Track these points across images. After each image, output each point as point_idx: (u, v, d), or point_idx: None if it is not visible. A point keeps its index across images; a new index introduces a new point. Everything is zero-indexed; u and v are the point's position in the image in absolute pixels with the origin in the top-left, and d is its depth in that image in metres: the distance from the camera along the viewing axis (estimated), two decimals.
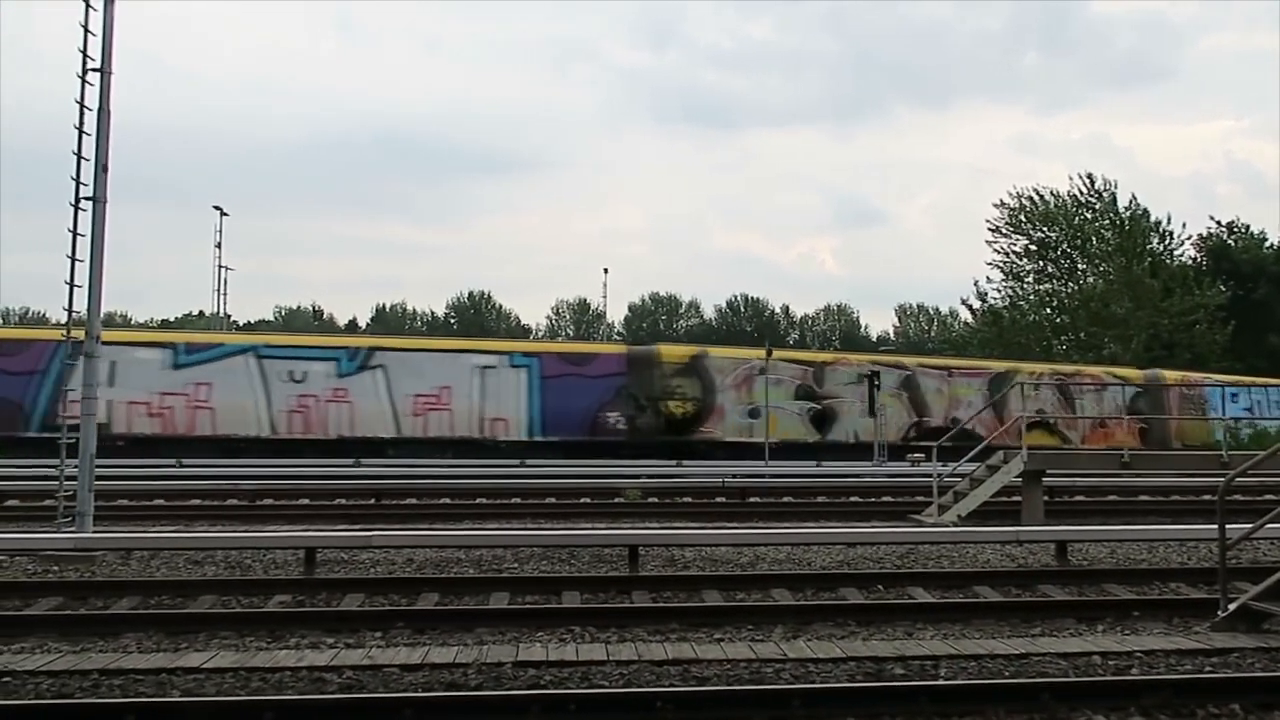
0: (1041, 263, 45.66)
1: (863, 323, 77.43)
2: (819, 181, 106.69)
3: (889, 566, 10.19)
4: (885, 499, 16.88)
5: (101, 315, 11.36)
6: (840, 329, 75.42)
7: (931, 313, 74.33)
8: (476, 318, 71.41)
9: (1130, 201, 45.28)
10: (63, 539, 10.01)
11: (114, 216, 11.21)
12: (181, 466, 19.94)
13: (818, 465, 22.79)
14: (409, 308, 75.78)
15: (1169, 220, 45.13)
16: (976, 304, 47.08)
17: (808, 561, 10.45)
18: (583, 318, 73.30)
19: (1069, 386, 28.83)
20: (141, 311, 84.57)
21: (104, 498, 12.51)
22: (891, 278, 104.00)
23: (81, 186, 11.05)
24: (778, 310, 75.62)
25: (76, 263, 11.06)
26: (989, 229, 46.32)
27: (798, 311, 77.24)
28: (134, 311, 67.29)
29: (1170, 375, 31.05)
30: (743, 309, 74.49)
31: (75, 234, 11.04)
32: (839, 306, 77.37)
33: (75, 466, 10.85)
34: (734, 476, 18.64)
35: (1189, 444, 28.19)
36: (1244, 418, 28.67)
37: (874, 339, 72.69)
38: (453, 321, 72.16)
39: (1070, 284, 45.03)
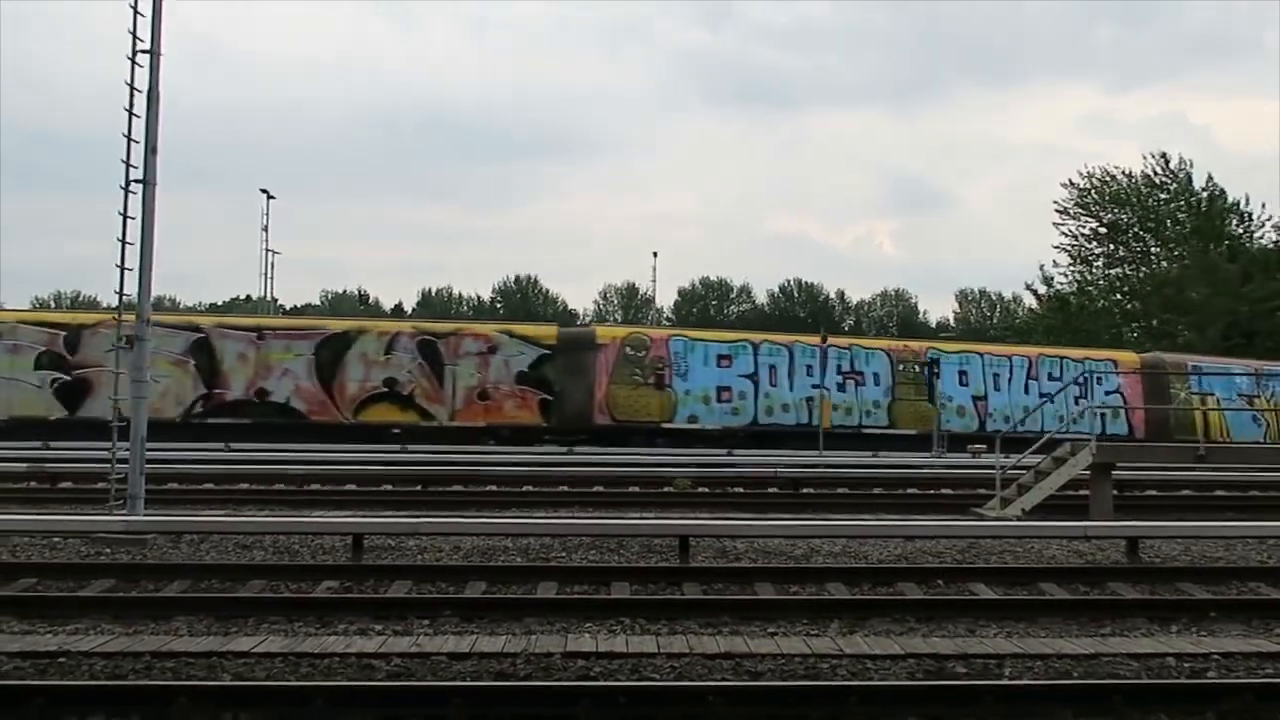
0: (1112, 246, 44.64)
1: (921, 309, 76.50)
2: (877, 163, 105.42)
3: (949, 561, 10.08)
4: (945, 491, 16.72)
5: (151, 299, 11.65)
6: (898, 315, 74.53)
7: (994, 298, 73.21)
8: (523, 302, 71.81)
9: (1207, 182, 44.02)
10: (114, 521, 10.31)
11: (162, 201, 11.45)
12: (230, 450, 20.37)
13: (874, 455, 22.62)
14: (455, 292, 76.50)
15: (1248, 201, 43.78)
16: (1042, 289, 46.23)
17: (864, 555, 10.39)
18: (631, 302, 73.33)
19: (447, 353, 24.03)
20: (189, 296, 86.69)
21: (154, 481, 12.82)
22: (952, 262, 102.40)
23: (131, 169, 11.31)
24: (833, 296, 75.01)
25: (126, 246, 11.33)
26: (1056, 210, 45.41)
27: (853, 297, 76.56)
28: (182, 296, 68.92)
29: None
30: (796, 294, 73.95)
31: (125, 217, 11.30)
32: (897, 292, 76.50)
33: (127, 449, 11.15)
34: (786, 467, 18.57)
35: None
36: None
37: (933, 325, 71.71)
38: (499, 306, 72.65)
39: (1142, 269, 43.98)
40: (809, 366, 25.39)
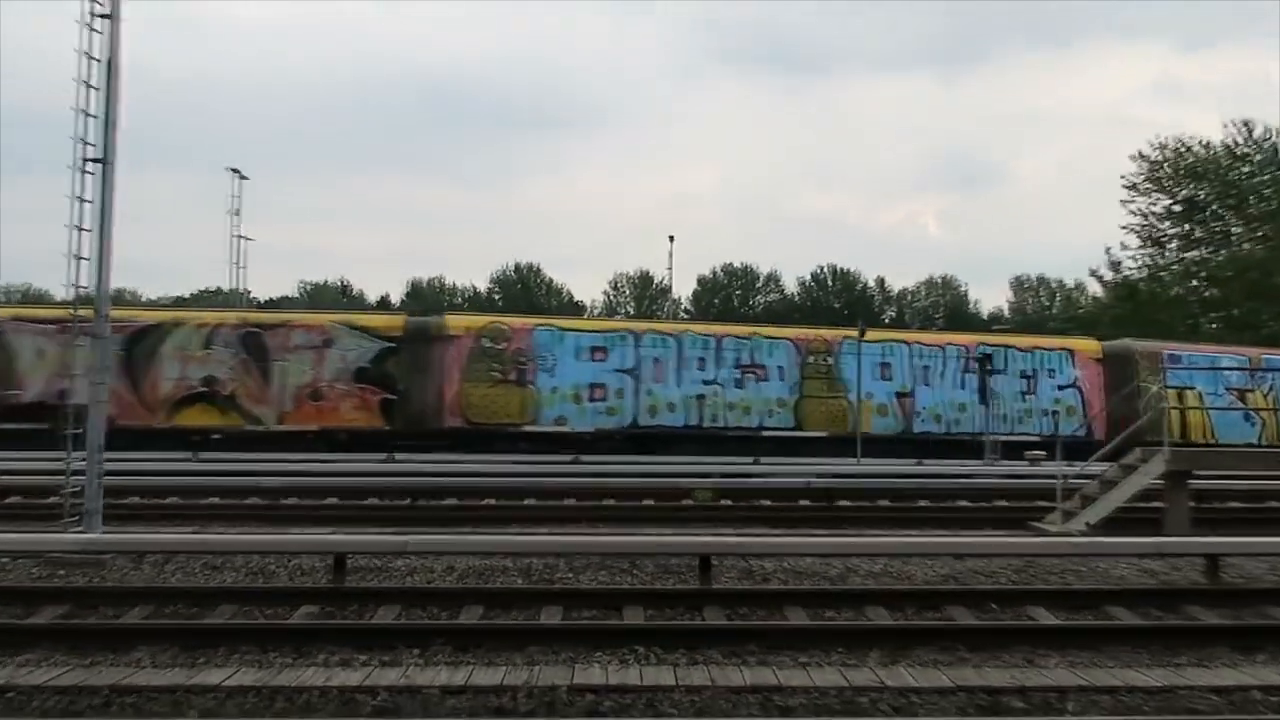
0: (1187, 226, 44.37)
1: (972, 297, 76.20)
2: (921, 135, 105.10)
3: (1004, 582, 10.08)
4: (999, 503, 16.71)
5: (111, 292, 11.72)
6: (945, 305, 74.28)
7: (1054, 286, 72.89)
8: (524, 293, 71.93)
9: None
10: (69, 540, 10.35)
11: (121, 182, 11.51)
12: (197, 460, 20.47)
13: (918, 464, 22.56)
14: (448, 282, 76.68)
15: None
16: (1108, 275, 46.02)
17: (908, 575, 10.38)
18: (645, 292, 73.35)
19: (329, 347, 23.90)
20: (153, 288, 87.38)
21: (113, 494, 12.90)
22: (1006, 246, 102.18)
23: (87, 147, 11.36)
24: (871, 283, 74.80)
25: (81, 233, 11.39)
26: (1124, 186, 45.22)
27: (895, 285, 76.33)
28: (145, 288, 69.41)
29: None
30: (831, 282, 73.78)
31: (80, 200, 11.35)
32: (943, 279, 76.20)
33: (83, 460, 11.21)
34: (819, 477, 18.52)
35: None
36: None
37: (985, 316, 71.42)
38: (497, 297, 72.80)
39: (1222, 251, 43.69)
40: (700, 360, 24.86)
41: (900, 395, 25.66)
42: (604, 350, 24.58)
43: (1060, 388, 26.17)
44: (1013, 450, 23.20)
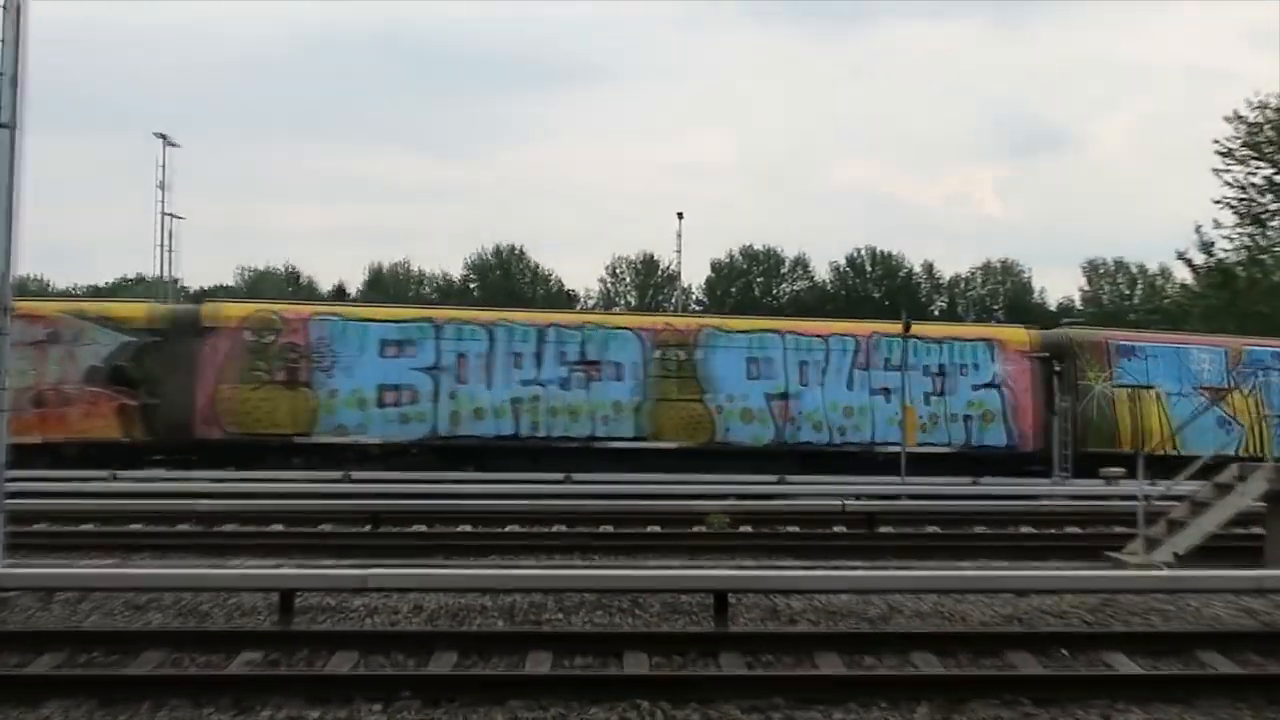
0: None
1: (1037, 285, 76.31)
2: (976, 91, 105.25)
3: (1076, 624, 10.09)
4: (1070, 530, 16.80)
5: (12, 280, 11.71)
6: (1006, 293, 74.35)
7: (1134, 271, 72.94)
8: (505, 280, 72.07)
9: None
10: None
11: (27, 152, 11.50)
12: (116, 479, 20.49)
13: (973, 484, 22.59)
14: (415, 268, 76.87)
15: None
16: (1199, 258, 45.99)
17: (961, 615, 10.39)
18: (648, 279, 73.47)
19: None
20: (64, 276, 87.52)
21: (17, 521, 12.90)
22: (1077, 224, 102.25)
23: None
24: (918, 269, 74.92)
25: None
26: (1217, 153, 45.08)
27: (945, 270, 76.45)
28: (55, 277, 69.50)
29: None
30: (869, 267, 73.92)
31: None
32: (1004, 263, 76.30)
33: None
34: (856, 499, 18.56)
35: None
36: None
37: (1053, 307, 71.51)
38: (472, 286, 72.93)
39: None
40: (517, 355, 24.45)
41: (773, 397, 25.04)
42: (400, 345, 23.98)
43: (978, 387, 25.64)
44: (926, 465, 23.00)
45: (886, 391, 24.69)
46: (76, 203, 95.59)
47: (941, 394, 25.04)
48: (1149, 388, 26.01)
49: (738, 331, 25.62)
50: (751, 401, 24.90)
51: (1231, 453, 25.09)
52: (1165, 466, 21.51)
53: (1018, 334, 27.37)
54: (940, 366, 25.20)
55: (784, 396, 24.97)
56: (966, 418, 25.39)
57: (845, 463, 23.95)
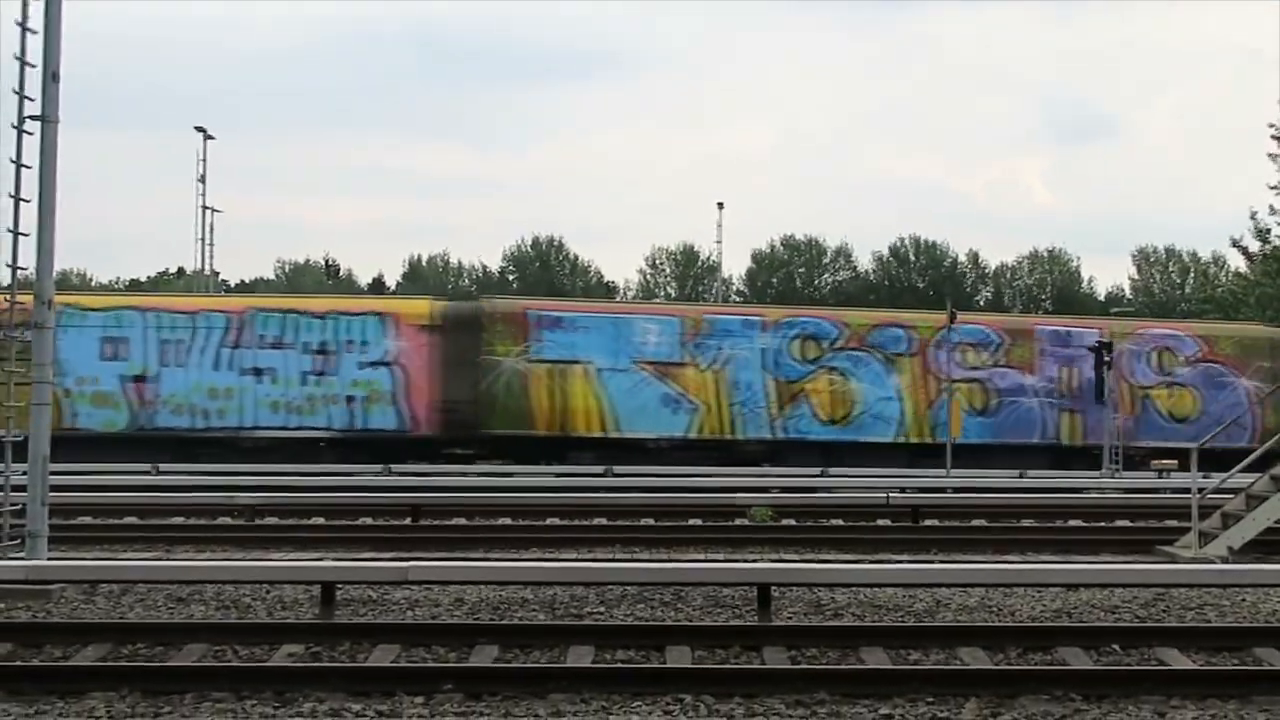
0: None
1: (1085, 275, 75.53)
2: (1023, 78, 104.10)
3: (1128, 619, 10.02)
4: (1121, 523, 16.71)
5: (55, 274, 11.88)
6: (1053, 283, 73.68)
7: (1186, 260, 72.03)
8: (543, 272, 72.23)
9: None
10: (9, 567, 10.50)
11: (64, 145, 11.64)
12: (159, 473, 20.77)
13: (1020, 477, 22.51)
14: (453, 260, 77.16)
15: None
16: (1254, 246, 45.35)
17: (1010, 610, 10.33)
18: (688, 270, 73.39)
19: None
20: (106, 270, 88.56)
21: (60, 514, 13.08)
22: (1127, 212, 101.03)
23: (26, 101, 11.50)
24: (963, 258, 74.36)
25: (20, 204, 11.53)
26: (1273, 137, 44.45)
27: (991, 260, 75.83)
28: (96, 270, 70.32)
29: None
30: (913, 257, 73.47)
31: (19, 165, 11.50)
32: (1050, 252, 75.56)
33: (24, 473, 11.37)
34: (901, 491, 18.51)
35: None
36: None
37: (1102, 297, 70.81)
38: (511, 277, 73.15)
39: None
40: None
41: (131, 379, 23.88)
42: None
43: (366, 365, 24.61)
44: (303, 450, 22.54)
45: (259, 372, 23.92)
46: (109, 196, 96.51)
47: (323, 374, 24.06)
48: (578, 362, 24.98)
49: (93, 310, 24.50)
50: (104, 384, 23.80)
51: (681, 435, 25.11)
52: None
53: (415, 306, 26.39)
54: (323, 344, 24.20)
55: (141, 379, 23.94)
56: (350, 399, 24.41)
57: (216, 450, 23.24)
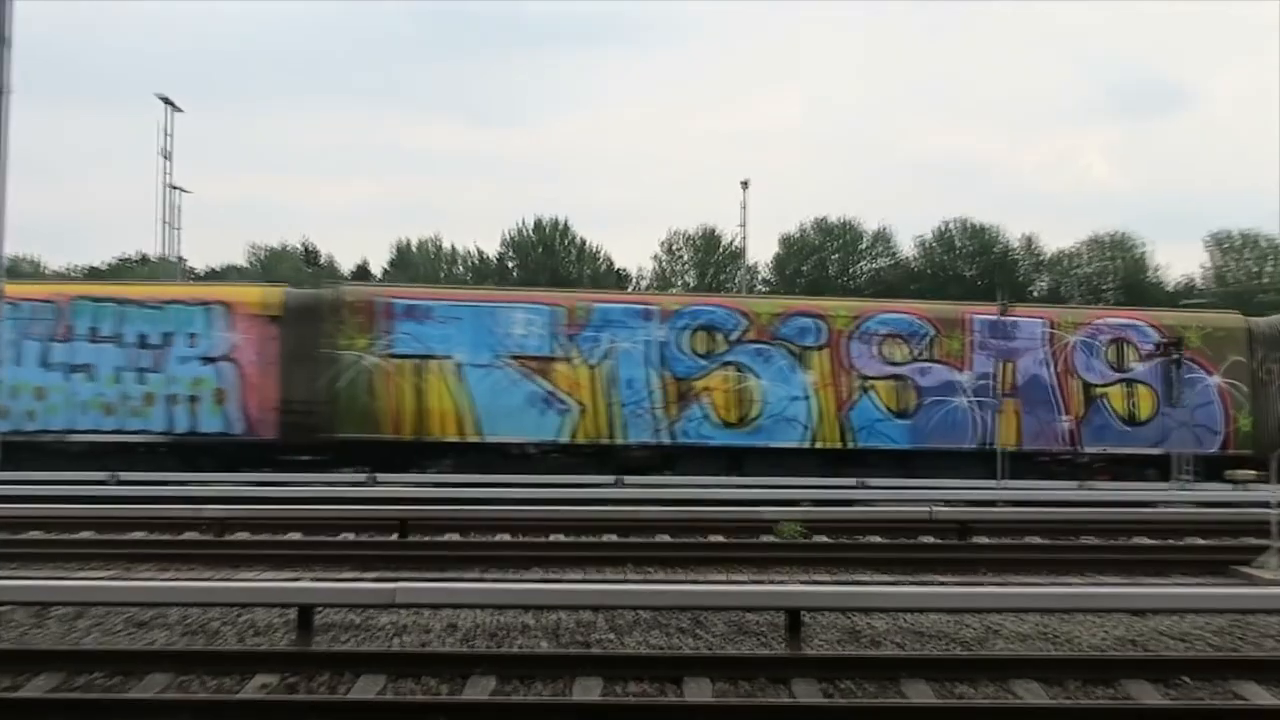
0: None
1: (1154, 262, 75.27)
2: (1081, 45, 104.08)
3: (1202, 648, 10.02)
4: (1192, 540, 16.70)
5: (5, 262, 11.91)
6: (1117, 271, 73.45)
7: (1264, 245, 71.75)
8: (547, 258, 72.22)
9: None
10: None
11: (16, 121, 11.69)
12: (118, 483, 20.79)
13: (1079, 488, 22.46)
14: (446, 245, 77.21)
15: None
16: None
17: (1068, 637, 10.34)
18: (710, 257, 73.35)
19: None
20: (59, 256, 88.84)
21: (8, 528, 13.12)
22: (1199, 192, 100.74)
23: None
24: (1016, 243, 74.17)
25: None
26: None
27: (1048, 245, 75.60)
28: (50, 257, 70.59)
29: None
30: (960, 242, 73.30)
31: None
32: (1114, 237, 75.34)
33: None
34: (946, 504, 18.49)
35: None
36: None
37: (1170, 287, 70.57)
38: (511, 264, 73.19)
39: None
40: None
41: None
42: None
43: (201, 361, 24.36)
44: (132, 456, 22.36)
45: (81, 369, 23.73)
46: (63, 176, 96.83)
47: (152, 370, 23.86)
48: (433, 357, 24.67)
49: None
50: None
51: (554, 439, 24.65)
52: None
53: (255, 294, 25.98)
54: (153, 337, 24.02)
55: None
56: (182, 398, 24.19)
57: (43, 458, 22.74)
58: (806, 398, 25.46)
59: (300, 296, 26.11)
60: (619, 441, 25.04)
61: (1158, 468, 25.02)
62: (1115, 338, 26.48)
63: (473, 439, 24.55)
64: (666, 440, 25.17)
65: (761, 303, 27.81)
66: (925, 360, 25.83)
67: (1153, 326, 26.64)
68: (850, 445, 25.33)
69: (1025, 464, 25.22)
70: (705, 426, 25.22)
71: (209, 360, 24.33)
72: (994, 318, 26.41)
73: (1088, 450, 25.74)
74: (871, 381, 25.23)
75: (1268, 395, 26.17)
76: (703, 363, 25.40)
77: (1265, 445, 24.76)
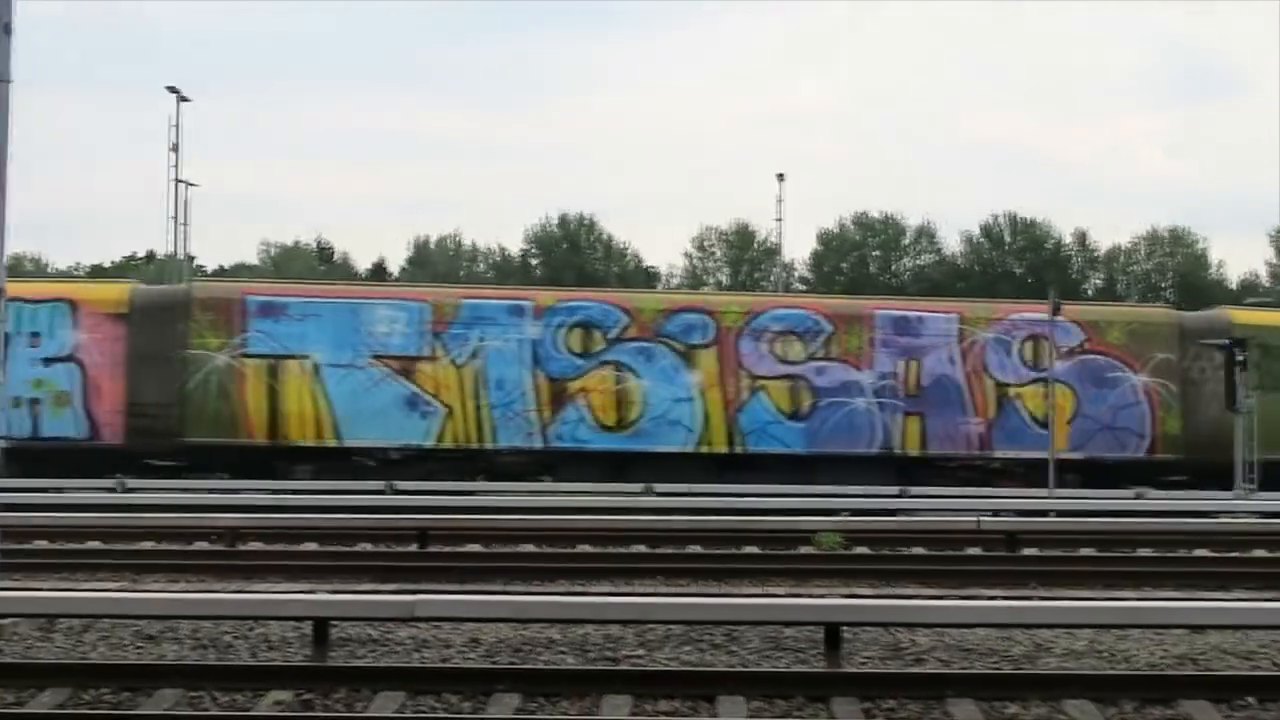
0: None
1: (1215, 258, 74.80)
2: (1137, 25, 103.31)
3: (1266, 666, 9.94)
4: (1257, 553, 16.62)
5: (6, 260, 11.98)
6: (1175, 268, 73.05)
7: None
8: (572, 255, 72.33)
9: None
10: None
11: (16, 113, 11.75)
12: (125, 490, 20.97)
13: (1135, 497, 22.35)
14: (466, 242, 77.44)
15: None
16: None
17: (1124, 655, 10.27)
18: (743, 254, 73.35)
19: None
20: (65, 254, 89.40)
21: (12, 537, 13.22)
22: (1264, 183, 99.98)
23: None
24: (1068, 238, 73.86)
25: None
26: None
27: (1102, 240, 75.25)
28: (54, 255, 71.08)
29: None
30: (1009, 237, 73.05)
31: None
32: (1173, 232, 74.92)
33: None
34: (994, 514, 18.43)
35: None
36: None
37: (1234, 285, 70.07)
38: (534, 261, 73.35)
39: None
40: None
41: None
42: None
43: (43, 362, 23.86)
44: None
45: None
46: (66, 169, 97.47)
47: None
48: (293, 357, 24.37)
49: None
50: None
51: (421, 444, 24.46)
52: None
53: (104, 291, 25.86)
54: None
55: None
56: (25, 401, 23.61)
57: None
58: (692, 399, 25.06)
59: (149, 294, 25.98)
60: (489, 446, 24.81)
61: (1080, 474, 24.70)
62: (1031, 334, 25.87)
63: (331, 444, 24.37)
64: (541, 445, 24.90)
65: (644, 298, 27.77)
66: (822, 359, 25.39)
67: (1072, 323, 25.89)
68: (740, 449, 24.99)
69: (930, 470, 25.00)
70: (582, 430, 24.95)
71: (51, 361, 24.03)
72: (898, 313, 26.16)
73: (999, 454, 25.39)
74: (762, 381, 24.84)
75: (1199, 396, 25.60)
76: (580, 362, 25.10)
77: (1197, 449, 24.54)
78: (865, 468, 24.46)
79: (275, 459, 24.24)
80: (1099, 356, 25.84)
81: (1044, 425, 24.64)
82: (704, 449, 25.02)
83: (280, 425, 24.20)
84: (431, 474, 23.50)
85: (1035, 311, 26.51)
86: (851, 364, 25.42)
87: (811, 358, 25.32)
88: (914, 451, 25.32)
